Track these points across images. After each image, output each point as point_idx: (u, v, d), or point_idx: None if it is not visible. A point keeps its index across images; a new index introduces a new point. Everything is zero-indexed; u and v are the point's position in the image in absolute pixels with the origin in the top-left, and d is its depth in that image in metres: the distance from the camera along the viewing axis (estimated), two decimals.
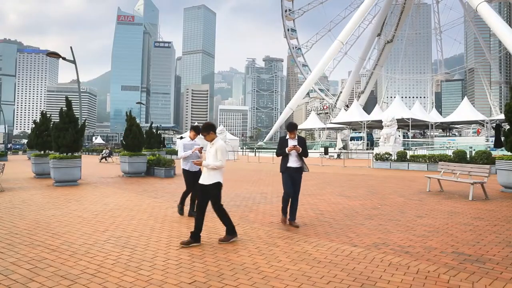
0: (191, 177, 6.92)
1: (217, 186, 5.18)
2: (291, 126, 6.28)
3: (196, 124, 7.71)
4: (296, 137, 6.22)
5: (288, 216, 6.32)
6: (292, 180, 6.19)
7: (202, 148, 6.74)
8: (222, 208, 5.32)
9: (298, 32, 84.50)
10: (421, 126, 50.21)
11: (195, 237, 5.07)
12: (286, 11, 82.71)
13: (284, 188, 6.22)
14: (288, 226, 6.22)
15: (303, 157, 6.27)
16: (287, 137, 6.26)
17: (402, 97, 66.53)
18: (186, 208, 7.24)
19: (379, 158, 21.28)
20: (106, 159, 29.86)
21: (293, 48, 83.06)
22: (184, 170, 7.06)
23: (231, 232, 5.29)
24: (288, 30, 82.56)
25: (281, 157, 6.36)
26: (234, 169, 19.97)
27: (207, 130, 5.20)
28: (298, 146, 6.08)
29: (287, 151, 6.12)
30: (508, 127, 10.92)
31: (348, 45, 75.10)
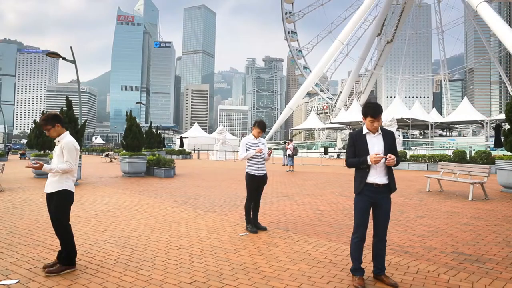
0: (256, 182, 5.88)
1: (63, 195, 3.95)
2: (376, 110, 3.52)
3: (260, 119, 6.43)
4: (380, 131, 3.62)
5: (372, 271, 3.76)
6: (374, 207, 3.64)
7: (271, 151, 6.02)
8: (68, 227, 4.02)
9: (299, 34, 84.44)
10: (421, 126, 50.27)
11: (68, 261, 4.00)
12: (286, 13, 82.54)
13: (356, 221, 3.68)
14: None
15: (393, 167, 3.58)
16: (365, 131, 3.62)
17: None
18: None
19: None
20: (111, 159, 29.80)
21: (294, 50, 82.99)
22: (248, 175, 5.86)
23: (68, 261, 3.98)
24: (288, 32, 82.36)
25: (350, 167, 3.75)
26: (234, 169, 19.99)
27: (51, 122, 3.98)
28: (392, 157, 3.45)
29: (369, 161, 3.45)
30: (508, 127, 10.93)
31: (349, 46, 75.32)
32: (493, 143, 26.24)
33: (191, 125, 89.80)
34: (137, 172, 15.82)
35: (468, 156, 17.53)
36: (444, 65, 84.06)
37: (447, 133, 54.86)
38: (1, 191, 10.75)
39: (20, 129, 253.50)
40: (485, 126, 43.97)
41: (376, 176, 3.54)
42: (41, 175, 15.10)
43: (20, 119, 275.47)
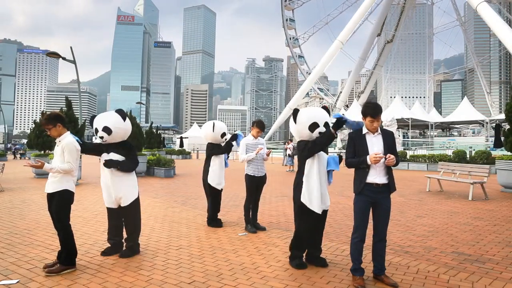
0: (256, 183, 5.86)
1: (64, 195, 3.94)
2: (376, 110, 3.51)
3: (258, 118, 6.29)
4: (380, 131, 3.62)
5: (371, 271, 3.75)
6: (373, 207, 3.61)
7: (270, 152, 5.90)
8: (68, 227, 4.01)
9: (296, 25, 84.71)
10: (421, 126, 50.28)
11: (68, 261, 4.01)
12: (285, 0, 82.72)
13: (355, 221, 3.65)
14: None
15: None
16: (364, 131, 3.62)
17: (402, 97, 66.71)
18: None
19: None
20: None
21: (290, 38, 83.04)
22: (247, 176, 5.87)
23: (68, 261, 3.98)
24: (286, 20, 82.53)
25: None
26: (233, 169, 19.96)
27: (52, 122, 3.98)
28: (391, 157, 3.42)
29: (369, 161, 3.44)
30: (508, 127, 10.93)
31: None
32: (493, 143, 26.22)
33: (191, 125, 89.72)
34: (137, 172, 15.78)
35: (468, 156, 17.52)
36: (431, 68, 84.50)
37: (447, 133, 54.87)
38: (1, 191, 10.76)
39: (20, 129, 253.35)
40: (485, 126, 43.97)
41: (376, 176, 3.53)
42: (41, 175, 15.10)
43: (20, 119, 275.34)
